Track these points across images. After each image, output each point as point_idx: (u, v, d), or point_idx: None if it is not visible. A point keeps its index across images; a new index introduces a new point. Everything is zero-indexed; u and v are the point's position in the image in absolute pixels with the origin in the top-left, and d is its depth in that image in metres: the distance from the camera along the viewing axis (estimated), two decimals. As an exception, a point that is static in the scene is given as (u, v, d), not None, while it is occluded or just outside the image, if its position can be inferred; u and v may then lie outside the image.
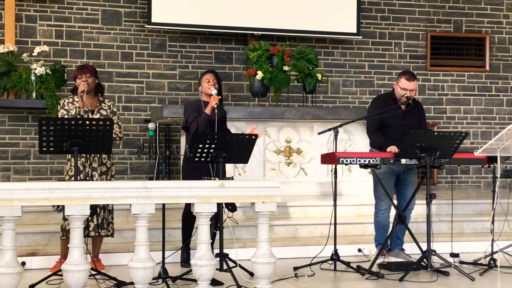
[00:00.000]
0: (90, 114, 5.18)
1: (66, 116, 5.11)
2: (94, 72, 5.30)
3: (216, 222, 4.94)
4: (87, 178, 5.12)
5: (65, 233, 5.14)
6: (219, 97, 5.34)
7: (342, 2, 9.43)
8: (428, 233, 5.26)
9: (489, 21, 10.31)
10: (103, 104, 5.29)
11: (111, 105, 5.34)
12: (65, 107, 5.20)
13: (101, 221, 5.22)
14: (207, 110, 5.30)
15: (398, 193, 5.84)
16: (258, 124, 7.75)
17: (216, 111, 5.23)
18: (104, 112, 5.25)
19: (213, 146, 4.77)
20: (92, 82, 5.23)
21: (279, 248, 5.82)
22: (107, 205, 5.26)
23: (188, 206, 5.38)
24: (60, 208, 5.05)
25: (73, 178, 5.14)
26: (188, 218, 5.40)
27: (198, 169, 5.08)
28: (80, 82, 5.18)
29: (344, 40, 9.73)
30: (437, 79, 10.13)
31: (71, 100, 5.23)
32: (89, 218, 5.03)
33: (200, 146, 4.75)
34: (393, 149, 5.38)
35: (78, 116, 5.05)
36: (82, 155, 5.10)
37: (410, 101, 5.64)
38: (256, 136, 4.96)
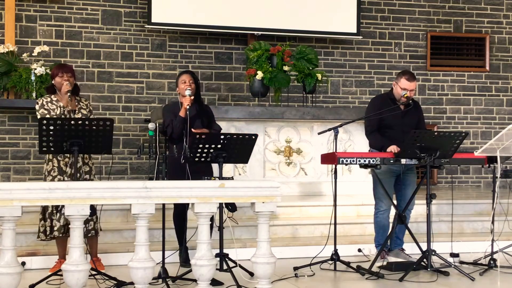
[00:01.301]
0: (72, 114, 5.14)
1: (47, 116, 5.06)
2: (73, 72, 5.30)
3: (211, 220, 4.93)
4: (67, 179, 5.09)
5: (43, 235, 5.14)
6: (192, 97, 5.32)
7: (342, 2, 9.42)
8: (428, 233, 5.26)
9: (489, 21, 10.31)
10: (81, 103, 5.27)
11: (88, 104, 5.34)
12: (45, 107, 5.14)
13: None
14: (181, 113, 5.30)
15: (397, 193, 5.84)
16: (258, 124, 7.77)
17: (188, 112, 5.21)
18: (84, 112, 5.22)
19: (213, 146, 4.77)
20: (73, 82, 5.21)
21: (279, 248, 5.82)
22: None
23: (177, 207, 5.37)
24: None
25: (56, 179, 5.12)
26: (178, 218, 5.40)
27: (179, 170, 5.05)
28: (62, 81, 5.14)
29: (344, 40, 9.73)
30: (437, 79, 10.12)
31: (49, 99, 5.19)
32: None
33: (200, 146, 4.76)
34: (394, 148, 5.37)
35: (62, 116, 5.02)
36: (66, 155, 5.08)
37: (410, 102, 5.64)
38: (256, 135, 4.96)
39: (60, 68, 5.24)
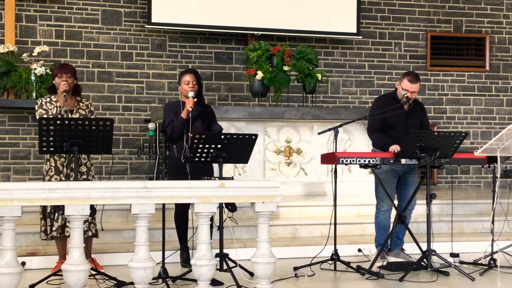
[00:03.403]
0: (69, 114, 5.13)
1: (45, 116, 5.05)
2: (74, 72, 5.27)
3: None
4: (63, 179, 5.08)
5: (43, 234, 5.14)
6: (195, 99, 5.30)
7: (342, 2, 9.42)
8: (428, 233, 5.26)
9: (489, 21, 10.31)
10: (81, 104, 5.26)
11: (89, 105, 5.32)
12: (43, 107, 5.14)
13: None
14: (183, 114, 5.30)
15: (399, 193, 5.84)
16: (258, 124, 7.77)
17: (190, 114, 5.20)
18: (82, 112, 5.21)
19: (213, 146, 4.77)
20: (71, 83, 5.20)
21: (279, 248, 5.82)
22: None
23: (178, 207, 5.37)
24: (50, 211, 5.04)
25: (53, 179, 5.12)
26: (180, 218, 5.40)
27: (179, 170, 5.06)
28: (60, 82, 5.13)
29: (344, 40, 9.73)
30: (437, 79, 10.13)
31: (48, 99, 5.19)
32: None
33: (200, 146, 4.75)
34: (395, 148, 5.37)
35: (59, 116, 5.01)
36: (62, 155, 5.08)
37: (410, 102, 5.64)
38: (256, 135, 4.96)
39: (60, 69, 5.24)
